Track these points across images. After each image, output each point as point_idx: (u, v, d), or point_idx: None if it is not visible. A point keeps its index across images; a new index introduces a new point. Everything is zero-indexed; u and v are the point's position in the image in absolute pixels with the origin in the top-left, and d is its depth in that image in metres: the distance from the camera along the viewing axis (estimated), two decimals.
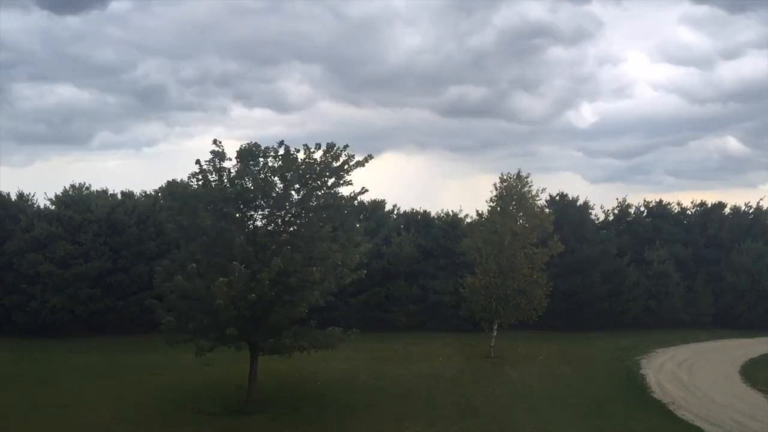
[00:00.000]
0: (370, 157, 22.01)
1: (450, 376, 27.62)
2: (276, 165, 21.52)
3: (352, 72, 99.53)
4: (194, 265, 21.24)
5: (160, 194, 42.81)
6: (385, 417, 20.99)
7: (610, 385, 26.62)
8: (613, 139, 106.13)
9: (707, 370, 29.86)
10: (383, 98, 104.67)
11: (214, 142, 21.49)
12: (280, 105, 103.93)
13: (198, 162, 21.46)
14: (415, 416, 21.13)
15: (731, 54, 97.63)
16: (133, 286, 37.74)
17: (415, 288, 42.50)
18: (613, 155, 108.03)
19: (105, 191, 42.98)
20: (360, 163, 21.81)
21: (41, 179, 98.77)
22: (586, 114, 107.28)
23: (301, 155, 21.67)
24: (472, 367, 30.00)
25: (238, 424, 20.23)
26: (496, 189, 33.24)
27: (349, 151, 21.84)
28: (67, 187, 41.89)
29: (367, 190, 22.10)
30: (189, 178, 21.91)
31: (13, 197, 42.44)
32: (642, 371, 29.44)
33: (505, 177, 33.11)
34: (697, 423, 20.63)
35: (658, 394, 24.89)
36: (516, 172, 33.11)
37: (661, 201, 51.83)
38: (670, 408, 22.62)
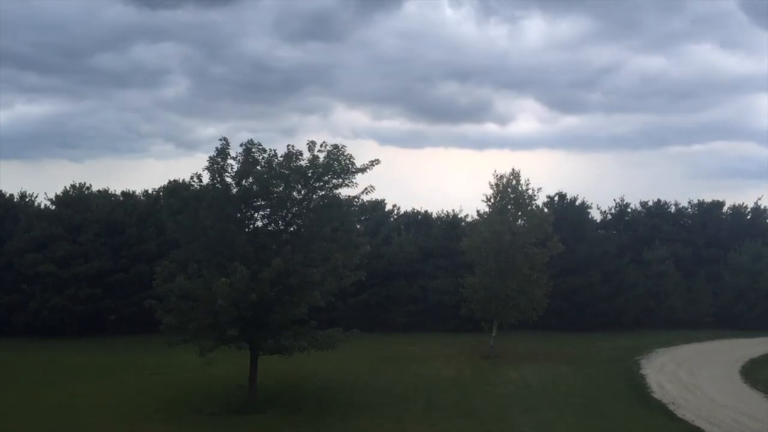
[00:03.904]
0: (377, 161, 21.94)
1: (450, 376, 27.62)
2: (278, 166, 21.50)
3: None
4: (195, 265, 21.28)
5: (161, 194, 42.78)
6: (386, 417, 20.97)
7: (610, 385, 26.60)
8: None
9: (707, 370, 29.85)
10: None
11: (221, 140, 21.53)
12: None
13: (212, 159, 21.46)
14: (415, 416, 21.14)
15: None
16: (133, 286, 37.73)
17: (415, 288, 42.50)
18: None
19: (105, 191, 42.96)
20: (362, 169, 21.77)
21: None
22: None
23: (306, 154, 21.66)
24: (472, 367, 30.00)
25: (238, 424, 20.22)
26: (492, 187, 33.25)
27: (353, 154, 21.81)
28: (68, 187, 41.87)
29: (373, 189, 21.98)
30: (191, 178, 21.90)
31: (18, 197, 42.59)
32: (642, 371, 29.44)
33: (500, 175, 33.12)
34: (698, 423, 20.60)
35: (658, 394, 24.88)
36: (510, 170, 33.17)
37: (659, 200, 52.09)
38: (670, 408, 22.61)
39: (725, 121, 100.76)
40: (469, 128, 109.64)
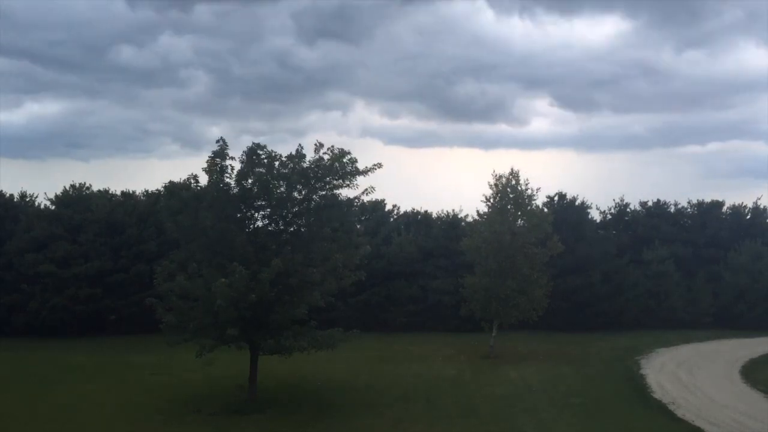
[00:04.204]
0: (379, 165, 21.92)
1: (450, 376, 27.62)
2: (280, 167, 21.52)
3: None
4: (195, 264, 21.28)
5: (161, 194, 42.79)
6: (386, 417, 20.99)
7: (610, 385, 26.62)
8: None
9: (707, 370, 29.86)
10: None
11: (218, 141, 21.54)
12: None
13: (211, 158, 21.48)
14: (415, 416, 21.15)
15: None
16: (133, 286, 37.74)
17: (415, 288, 42.49)
18: None
19: (105, 191, 42.98)
20: (363, 171, 21.75)
21: None
22: None
23: (310, 154, 21.72)
24: (472, 367, 30.01)
25: (238, 424, 20.22)
26: (492, 188, 33.25)
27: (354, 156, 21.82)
28: (67, 187, 41.88)
29: (373, 190, 21.99)
30: (188, 179, 21.89)
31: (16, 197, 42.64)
32: (642, 371, 29.44)
33: (499, 175, 33.12)
34: (698, 423, 20.61)
35: (658, 394, 24.89)
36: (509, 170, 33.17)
37: (658, 200, 52.14)
38: (670, 408, 22.62)
39: (742, 121, 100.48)
40: (483, 127, 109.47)
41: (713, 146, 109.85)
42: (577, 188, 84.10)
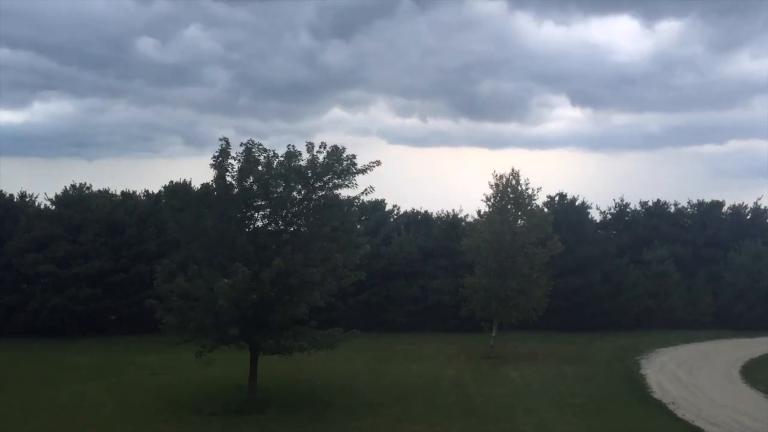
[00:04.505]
0: (378, 163, 21.91)
1: (450, 376, 27.63)
2: (279, 167, 21.52)
3: None
4: (195, 266, 21.29)
5: (162, 194, 42.78)
6: (386, 417, 20.99)
7: (610, 385, 26.63)
8: None
9: (707, 370, 29.87)
10: None
11: (221, 140, 21.58)
12: None
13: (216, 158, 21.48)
14: (415, 416, 21.14)
15: None
16: (133, 286, 37.73)
17: (415, 288, 42.50)
18: None
19: (106, 191, 42.98)
20: (362, 170, 21.75)
21: None
22: None
23: (305, 154, 21.68)
24: (472, 367, 30.02)
25: (238, 424, 20.22)
26: (492, 187, 33.25)
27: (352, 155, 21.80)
28: (68, 187, 41.90)
29: (373, 190, 21.99)
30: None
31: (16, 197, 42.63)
32: (642, 371, 29.45)
33: (500, 175, 33.12)
34: (698, 423, 20.63)
35: (658, 394, 24.91)
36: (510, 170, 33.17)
37: (659, 200, 52.13)
38: (670, 408, 22.63)
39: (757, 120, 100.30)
40: (494, 126, 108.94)
41: (732, 144, 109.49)
42: (584, 188, 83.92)
